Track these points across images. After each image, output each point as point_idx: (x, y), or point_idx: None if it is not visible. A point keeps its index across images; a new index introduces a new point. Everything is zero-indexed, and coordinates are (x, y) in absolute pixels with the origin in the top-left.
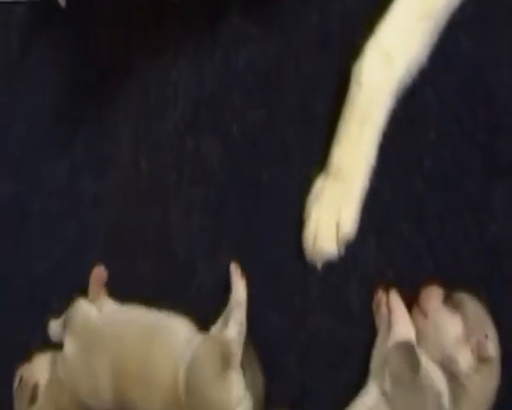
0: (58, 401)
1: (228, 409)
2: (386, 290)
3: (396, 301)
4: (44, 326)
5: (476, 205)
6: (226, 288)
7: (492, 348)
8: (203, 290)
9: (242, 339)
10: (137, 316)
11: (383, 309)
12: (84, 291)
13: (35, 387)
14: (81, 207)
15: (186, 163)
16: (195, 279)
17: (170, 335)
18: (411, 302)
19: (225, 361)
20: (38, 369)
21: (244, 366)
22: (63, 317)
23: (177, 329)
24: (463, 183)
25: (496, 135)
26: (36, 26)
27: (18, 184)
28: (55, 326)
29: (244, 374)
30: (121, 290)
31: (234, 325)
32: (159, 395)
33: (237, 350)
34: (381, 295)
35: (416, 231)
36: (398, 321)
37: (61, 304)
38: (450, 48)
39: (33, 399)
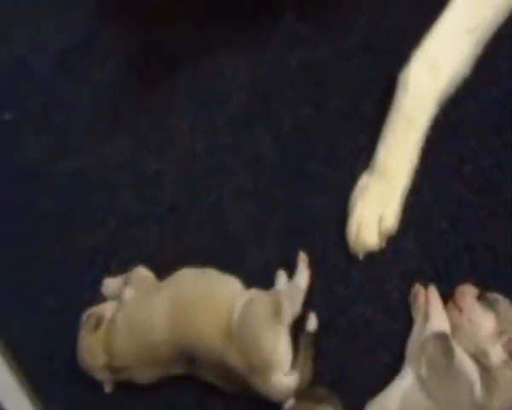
0: (109, 340)
1: (272, 359)
2: (424, 285)
3: (434, 295)
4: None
5: None
6: (273, 272)
7: None
8: (253, 272)
9: (293, 309)
10: (194, 269)
11: (420, 301)
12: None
13: (100, 318)
14: (142, 182)
15: (240, 149)
16: (246, 259)
17: (227, 278)
18: (447, 298)
19: (275, 309)
20: (105, 308)
21: (300, 352)
22: (123, 276)
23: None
24: (501, 188)
25: None
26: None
27: (84, 158)
28: (111, 284)
29: (297, 357)
30: (174, 263)
31: (282, 282)
32: (214, 326)
33: (285, 301)
34: (418, 288)
35: (454, 231)
36: (434, 313)
37: (119, 270)
38: (493, 61)
39: (97, 326)
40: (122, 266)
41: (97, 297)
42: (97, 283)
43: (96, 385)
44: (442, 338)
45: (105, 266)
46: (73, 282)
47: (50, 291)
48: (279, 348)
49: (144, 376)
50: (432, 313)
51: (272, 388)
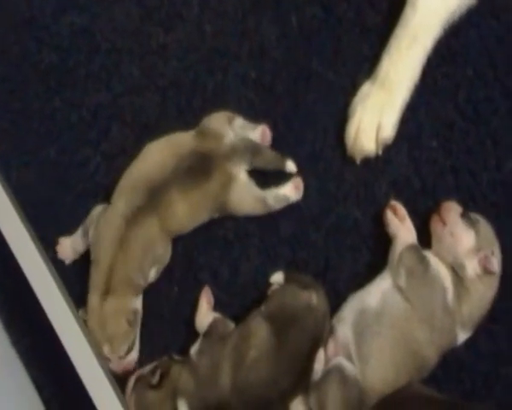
0: None
1: None
2: (411, 197)
3: (398, 213)
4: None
5: (498, 142)
6: None
7: (496, 264)
8: None
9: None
10: None
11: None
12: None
13: None
14: (147, 52)
15: (246, 37)
16: None
17: None
18: (431, 211)
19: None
20: None
21: None
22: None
23: None
24: (490, 120)
25: None
26: None
27: (91, 17)
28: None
29: None
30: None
31: None
32: None
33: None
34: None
35: (443, 151)
36: (399, 229)
37: (120, 132)
38: None
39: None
40: (123, 130)
41: (97, 156)
42: (98, 142)
43: None
44: (414, 249)
45: (106, 127)
46: (74, 137)
47: (51, 143)
48: None
49: None
50: (396, 229)
51: None
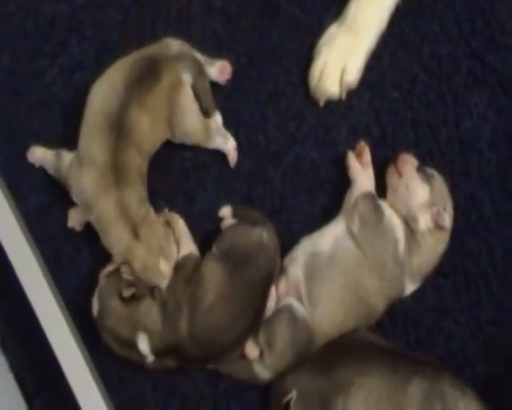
0: None
1: None
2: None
3: (361, 157)
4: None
5: (459, 100)
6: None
7: (448, 220)
8: None
9: None
10: None
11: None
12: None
13: None
14: None
15: None
16: None
17: None
18: (388, 161)
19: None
20: None
21: None
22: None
23: None
24: (452, 77)
25: (488, 48)
26: None
27: None
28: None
29: None
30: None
31: None
32: None
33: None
34: (362, 146)
35: (404, 103)
36: (358, 175)
37: (79, 46)
38: None
39: None
40: (82, 45)
41: (54, 68)
42: (55, 54)
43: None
44: (370, 197)
45: (64, 39)
46: (29, 47)
47: (4, 50)
48: None
49: None
50: (355, 175)
51: None
